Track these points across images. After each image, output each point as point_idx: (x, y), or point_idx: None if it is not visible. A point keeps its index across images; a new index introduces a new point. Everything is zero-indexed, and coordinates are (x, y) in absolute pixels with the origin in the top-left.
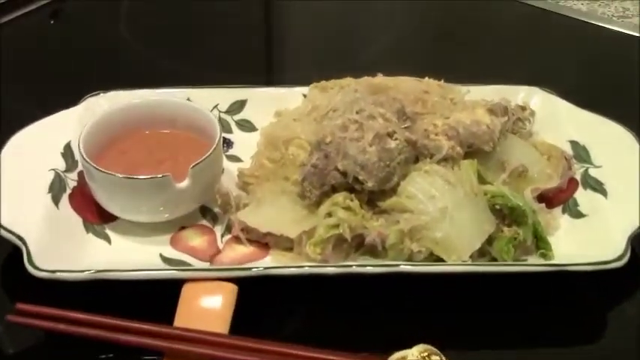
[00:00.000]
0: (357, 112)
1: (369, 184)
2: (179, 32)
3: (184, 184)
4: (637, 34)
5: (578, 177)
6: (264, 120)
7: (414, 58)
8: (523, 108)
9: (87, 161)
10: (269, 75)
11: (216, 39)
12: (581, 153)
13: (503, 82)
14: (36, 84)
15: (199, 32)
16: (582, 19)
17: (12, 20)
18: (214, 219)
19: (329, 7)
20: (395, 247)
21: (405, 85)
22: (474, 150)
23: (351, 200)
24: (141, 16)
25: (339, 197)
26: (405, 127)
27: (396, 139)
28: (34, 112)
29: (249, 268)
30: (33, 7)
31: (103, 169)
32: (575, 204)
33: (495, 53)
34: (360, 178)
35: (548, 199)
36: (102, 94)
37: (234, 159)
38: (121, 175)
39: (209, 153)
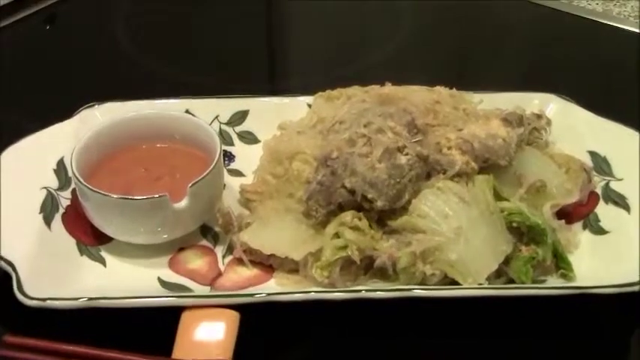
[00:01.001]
0: (364, 126)
1: (379, 203)
2: (177, 38)
3: (183, 204)
4: None
5: (599, 190)
6: (267, 131)
7: (421, 62)
8: (539, 116)
9: (80, 181)
10: (271, 81)
11: (215, 44)
12: (601, 164)
13: (516, 86)
14: (28, 94)
15: (198, 38)
16: (598, 19)
17: (6, 26)
18: (215, 238)
19: (332, 10)
20: (407, 271)
21: (416, 95)
22: (489, 164)
23: (360, 219)
24: (138, 21)
25: (347, 216)
26: (416, 141)
27: (406, 154)
28: (26, 124)
29: (252, 295)
30: (28, 12)
31: (96, 190)
32: (597, 219)
33: (507, 56)
34: (369, 196)
35: (567, 214)
36: (97, 106)
37: (236, 173)
38: (115, 196)
39: (209, 170)
